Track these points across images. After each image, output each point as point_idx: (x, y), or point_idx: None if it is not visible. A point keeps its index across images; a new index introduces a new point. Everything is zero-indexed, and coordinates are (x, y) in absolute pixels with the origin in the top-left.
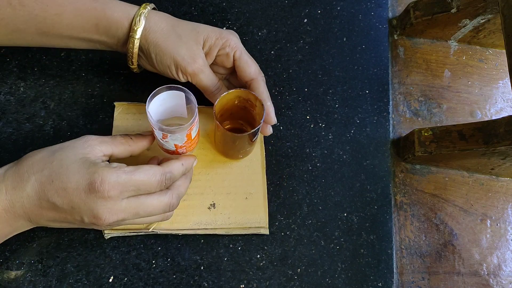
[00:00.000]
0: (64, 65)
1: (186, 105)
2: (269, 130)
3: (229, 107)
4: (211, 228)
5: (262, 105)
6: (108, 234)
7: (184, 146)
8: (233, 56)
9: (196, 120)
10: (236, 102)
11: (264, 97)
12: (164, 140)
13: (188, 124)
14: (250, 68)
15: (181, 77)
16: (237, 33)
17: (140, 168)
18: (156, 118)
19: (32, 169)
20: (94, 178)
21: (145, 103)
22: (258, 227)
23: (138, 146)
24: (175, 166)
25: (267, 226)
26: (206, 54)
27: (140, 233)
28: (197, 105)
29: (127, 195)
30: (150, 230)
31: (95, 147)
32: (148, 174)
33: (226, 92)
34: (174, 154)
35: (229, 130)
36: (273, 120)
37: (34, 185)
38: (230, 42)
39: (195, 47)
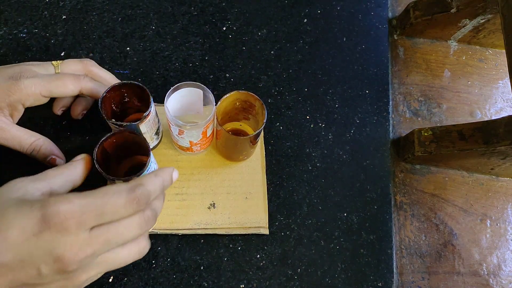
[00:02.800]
0: None
1: (204, 102)
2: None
3: (229, 110)
4: (211, 228)
5: (262, 104)
6: None
7: (198, 144)
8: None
9: (213, 118)
10: (236, 104)
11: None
12: (180, 136)
13: (205, 122)
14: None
15: None
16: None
17: (98, 189)
18: (173, 113)
19: None
20: (44, 213)
21: None
22: (258, 227)
23: (77, 172)
24: (148, 179)
25: (267, 226)
26: (12, 115)
27: None
28: (215, 103)
29: (89, 225)
30: (150, 230)
31: (27, 187)
32: (108, 194)
33: (226, 96)
34: (188, 151)
35: (229, 132)
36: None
37: None
38: (22, 92)
39: None
